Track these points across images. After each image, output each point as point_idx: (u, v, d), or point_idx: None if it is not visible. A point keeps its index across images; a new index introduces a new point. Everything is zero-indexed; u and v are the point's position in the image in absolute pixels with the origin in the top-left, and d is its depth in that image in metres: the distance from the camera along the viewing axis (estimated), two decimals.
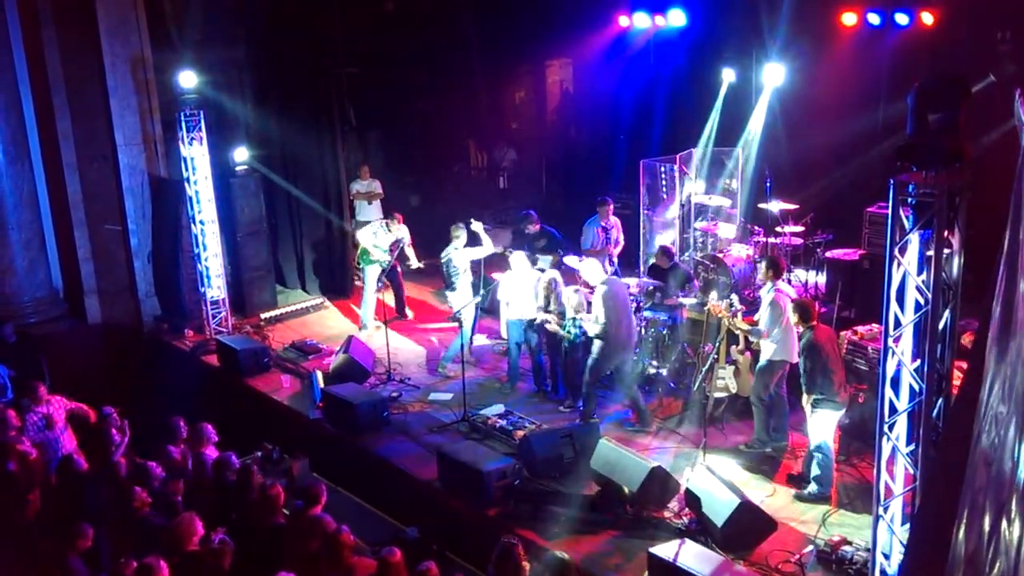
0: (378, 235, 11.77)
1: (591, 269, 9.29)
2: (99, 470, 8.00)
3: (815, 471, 7.86)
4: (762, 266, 8.89)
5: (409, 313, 12.52)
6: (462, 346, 10.29)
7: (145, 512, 7.07)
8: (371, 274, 11.96)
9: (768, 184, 11.19)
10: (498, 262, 11.37)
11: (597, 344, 9.03)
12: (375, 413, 9.54)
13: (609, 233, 11.52)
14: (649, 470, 7.72)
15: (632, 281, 10.69)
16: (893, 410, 5.99)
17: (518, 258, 10.19)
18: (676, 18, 12.73)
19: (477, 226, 10.87)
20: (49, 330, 12.24)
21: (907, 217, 5.65)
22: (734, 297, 9.20)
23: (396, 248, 11.70)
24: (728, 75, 12.07)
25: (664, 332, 10.00)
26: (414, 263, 12.14)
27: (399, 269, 12.08)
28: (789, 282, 10.14)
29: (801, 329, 7.88)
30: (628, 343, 9.18)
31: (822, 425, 7.75)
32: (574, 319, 9.34)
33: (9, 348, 10.46)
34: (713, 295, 9.32)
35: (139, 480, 7.42)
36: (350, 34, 13.64)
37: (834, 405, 7.72)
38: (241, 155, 12.79)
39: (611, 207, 11.61)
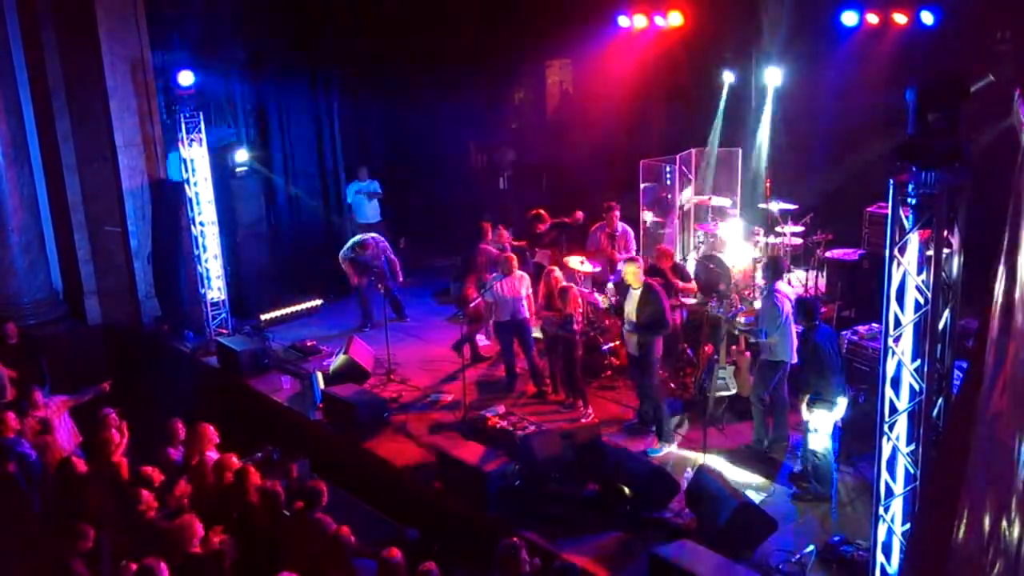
0: (348, 258, 11.74)
1: (635, 271, 8.91)
2: (99, 471, 8.00)
3: (814, 471, 7.86)
4: (762, 267, 8.88)
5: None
6: (462, 345, 10.30)
7: (151, 515, 7.06)
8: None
9: (768, 184, 11.19)
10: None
11: (657, 342, 8.83)
12: (375, 414, 9.54)
13: (616, 242, 11.28)
14: (649, 471, 7.73)
15: None
16: (893, 410, 5.99)
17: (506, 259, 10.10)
18: (675, 19, 12.74)
19: None
20: (49, 331, 12.24)
21: (907, 217, 5.66)
22: (734, 297, 9.20)
23: (375, 264, 11.65)
24: (728, 76, 12.08)
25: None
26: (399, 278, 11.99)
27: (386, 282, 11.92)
28: (789, 283, 10.14)
29: (803, 328, 7.87)
30: None
31: (819, 425, 7.75)
32: (571, 318, 9.33)
33: (9, 349, 10.46)
34: (721, 312, 9.19)
35: (143, 483, 7.42)
36: (350, 34, 13.64)
37: (831, 405, 7.72)
38: (240, 156, 12.79)
39: (617, 212, 11.35)
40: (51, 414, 8.79)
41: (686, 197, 11.83)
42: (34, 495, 8.01)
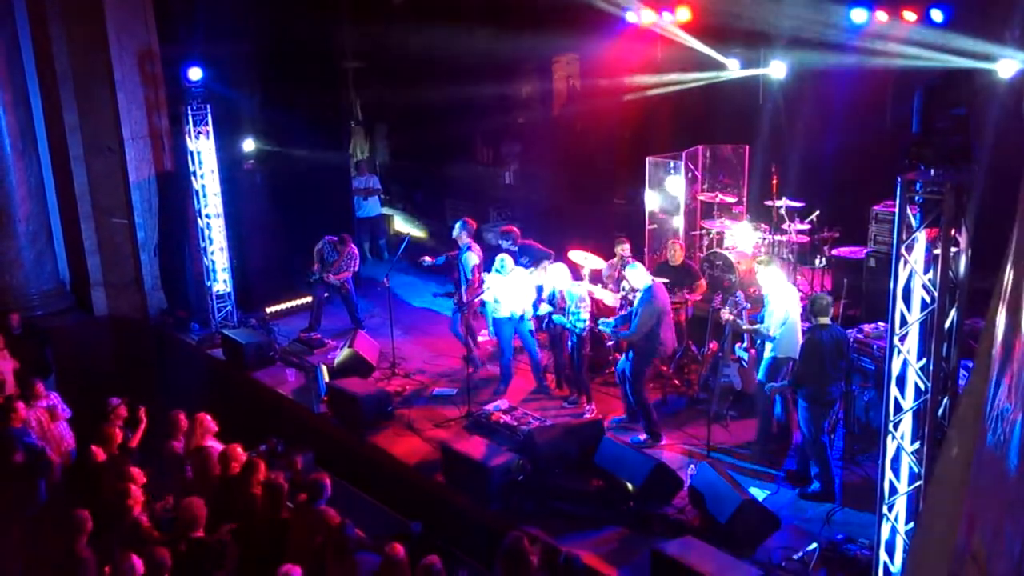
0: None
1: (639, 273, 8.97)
2: (114, 462, 7.99)
3: (815, 469, 7.85)
4: (759, 267, 8.84)
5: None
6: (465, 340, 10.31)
7: (139, 511, 7.05)
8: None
9: (774, 181, 11.17)
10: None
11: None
12: (379, 407, 9.56)
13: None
14: (653, 467, 7.72)
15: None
16: (898, 408, 5.98)
17: (505, 258, 10.05)
18: (683, 14, 12.69)
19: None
20: (56, 322, 12.29)
21: (914, 215, 5.64)
22: (739, 295, 9.18)
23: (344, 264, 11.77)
24: (735, 70, 12.06)
25: None
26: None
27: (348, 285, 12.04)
28: (795, 281, 10.12)
29: (810, 325, 7.82)
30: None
31: (815, 422, 7.72)
32: (577, 313, 9.33)
33: (14, 340, 10.50)
34: (725, 311, 9.16)
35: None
36: (357, 28, 13.65)
37: (826, 403, 7.70)
38: (248, 148, 12.80)
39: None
40: (50, 405, 8.82)
41: (692, 194, 11.80)
42: (40, 485, 8.04)
